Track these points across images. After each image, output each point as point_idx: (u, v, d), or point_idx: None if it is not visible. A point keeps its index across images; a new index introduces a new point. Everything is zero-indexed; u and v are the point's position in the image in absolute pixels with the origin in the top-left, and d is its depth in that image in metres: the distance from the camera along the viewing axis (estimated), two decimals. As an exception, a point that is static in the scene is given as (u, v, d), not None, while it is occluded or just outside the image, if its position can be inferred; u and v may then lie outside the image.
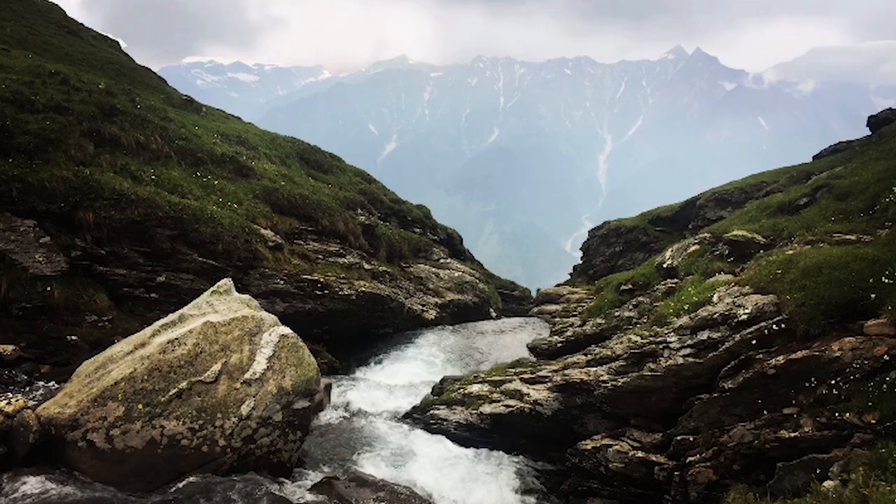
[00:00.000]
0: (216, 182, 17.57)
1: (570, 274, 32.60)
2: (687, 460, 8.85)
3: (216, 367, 8.68)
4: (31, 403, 8.19)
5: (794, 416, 7.80)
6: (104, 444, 7.82)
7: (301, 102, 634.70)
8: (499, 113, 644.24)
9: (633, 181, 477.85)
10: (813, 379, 7.76)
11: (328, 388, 13.40)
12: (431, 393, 13.95)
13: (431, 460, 10.79)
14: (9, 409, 7.60)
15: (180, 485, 7.69)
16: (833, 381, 7.54)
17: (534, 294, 30.78)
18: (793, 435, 7.56)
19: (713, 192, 23.51)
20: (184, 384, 8.36)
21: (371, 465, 10.37)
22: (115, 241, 13.50)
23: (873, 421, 6.87)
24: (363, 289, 18.15)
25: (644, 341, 10.14)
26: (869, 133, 19.68)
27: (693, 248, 14.13)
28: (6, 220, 12.10)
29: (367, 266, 19.81)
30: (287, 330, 9.78)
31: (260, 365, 9.02)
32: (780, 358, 8.00)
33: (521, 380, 12.42)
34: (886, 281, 7.84)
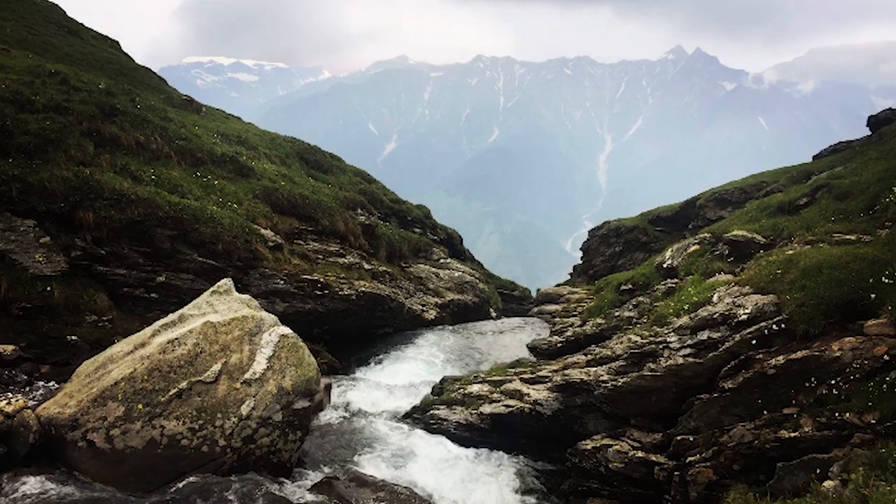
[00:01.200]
0: (216, 182, 17.57)
1: (570, 274, 32.61)
2: (687, 460, 8.85)
3: (216, 367, 8.68)
4: (31, 403, 8.19)
5: (794, 416, 7.81)
6: (104, 444, 7.81)
7: (301, 102, 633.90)
8: (499, 113, 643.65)
9: (633, 181, 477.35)
10: (813, 379, 7.76)
11: (328, 388, 13.40)
12: (431, 393, 13.95)
13: (432, 460, 10.79)
14: (9, 409, 7.60)
15: (180, 485, 7.69)
16: (833, 381, 7.54)
17: (534, 294, 30.77)
18: (793, 435, 7.57)
19: (713, 192, 23.51)
20: (184, 384, 8.36)
21: (371, 466, 10.37)
22: (115, 241, 13.50)
23: (873, 421, 6.87)
24: (363, 289, 18.15)
25: (644, 341, 10.15)
26: (869, 133, 19.69)
27: (693, 248, 14.12)
28: (6, 220, 12.10)
29: (367, 266, 19.81)
30: (287, 330, 9.78)
31: (260, 365, 9.02)
32: (780, 358, 8.01)
33: (521, 380, 12.42)
34: (886, 281, 7.84)
